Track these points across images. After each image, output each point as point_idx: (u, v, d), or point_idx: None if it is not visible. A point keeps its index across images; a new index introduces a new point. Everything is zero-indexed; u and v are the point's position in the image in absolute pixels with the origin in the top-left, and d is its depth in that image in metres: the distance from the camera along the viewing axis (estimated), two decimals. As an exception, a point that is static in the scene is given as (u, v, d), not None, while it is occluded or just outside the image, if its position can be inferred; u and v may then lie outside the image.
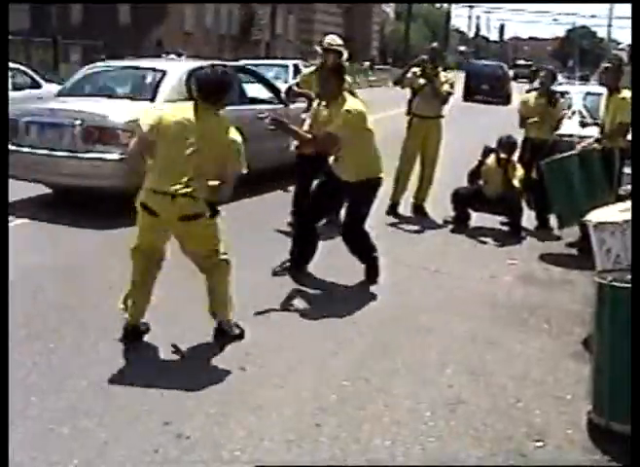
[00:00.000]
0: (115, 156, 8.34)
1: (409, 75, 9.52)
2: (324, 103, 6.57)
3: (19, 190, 8.95)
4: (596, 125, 8.62)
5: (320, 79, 6.64)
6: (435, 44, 10.70)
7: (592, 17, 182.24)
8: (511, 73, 44.81)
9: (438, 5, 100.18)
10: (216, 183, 4.99)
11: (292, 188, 8.79)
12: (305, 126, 6.74)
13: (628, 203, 5.28)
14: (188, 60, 12.45)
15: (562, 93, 11.13)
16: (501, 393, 4.79)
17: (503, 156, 8.95)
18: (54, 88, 17.63)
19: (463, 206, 9.12)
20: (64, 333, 5.37)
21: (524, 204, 9.15)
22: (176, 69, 9.80)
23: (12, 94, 15.25)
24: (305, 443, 4.07)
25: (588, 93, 13.01)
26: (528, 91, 12.05)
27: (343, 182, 6.46)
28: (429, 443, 4.14)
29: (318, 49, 8.53)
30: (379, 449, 4.06)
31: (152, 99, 9.00)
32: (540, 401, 4.70)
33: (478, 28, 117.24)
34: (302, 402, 4.53)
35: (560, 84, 15.49)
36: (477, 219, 9.22)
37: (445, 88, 9.37)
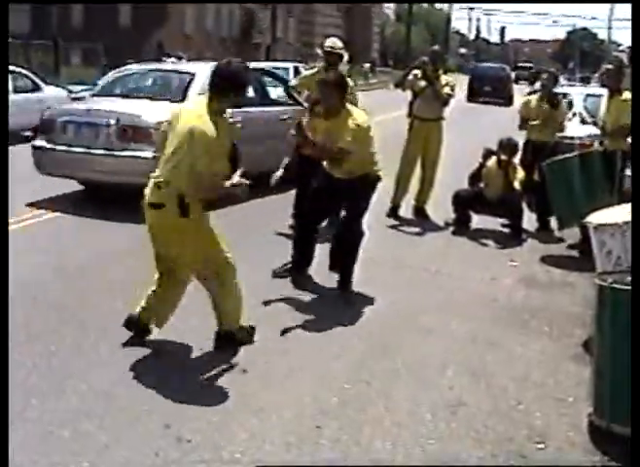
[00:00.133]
0: (148, 153, 8.58)
1: (410, 77, 9.52)
2: (320, 112, 6.51)
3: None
4: (595, 124, 8.62)
5: (321, 93, 6.44)
6: (436, 46, 10.72)
7: (593, 19, 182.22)
8: (512, 75, 45.23)
9: (438, 7, 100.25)
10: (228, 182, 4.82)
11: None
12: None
13: (629, 205, 5.28)
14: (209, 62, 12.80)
15: (564, 95, 11.14)
16: (502, 395, 4.79)
17: (504, 158, 8.95)
18: (55, 91, 17.74)
19: (464, 208, 9.12)
20: (64, 334, 5.38)
21: (525, 206, 9.15)
22: (205, 71, 9.85)
23: (12, 97, 15.33)
24: (306, 445, 4.07)
25: (589, 95, 13.03)
26: (529, 94, 12.06)
27: (342, 180, 6.39)
28: (430, 445, 4.14)
29: (319, 51, 8.56)
30: (380, 452, 4.06)
31: (182, 100, 9.10)
32: (541, 403, 4.70)
33: (478, 30, 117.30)
34: (302, 404, 4.52)
35: (561, 85, 15.50)
36: (477, 221, 9.22)
37: (446, 90, 9.37)
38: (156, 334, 5.26)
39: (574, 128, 10.35)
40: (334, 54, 8.41)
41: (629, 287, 4.13)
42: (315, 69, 8.74)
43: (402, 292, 6.72)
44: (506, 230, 9.11)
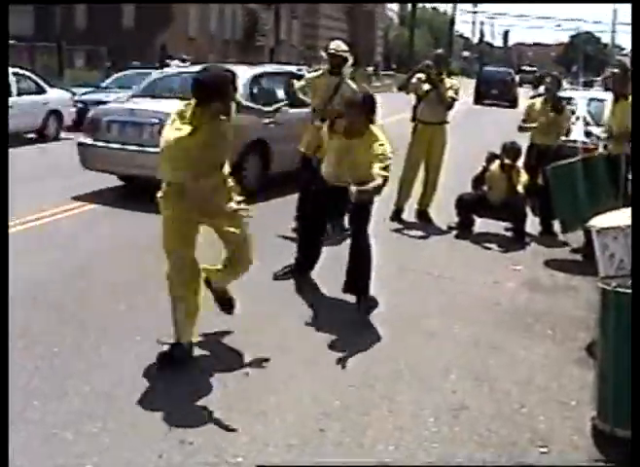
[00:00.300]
0: None
1: (414, 81, 9.51)
2: (339, 129, 6.17)
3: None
4: (598, 126, 8.62)
5: (347, 113, 6.08)
6: (440, 50, 10.70)
7: (596, 23, 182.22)
8: (517, 79, 46.07)
9: (442, 10, 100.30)
10: None
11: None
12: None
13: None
14: (250, 67, 13.21)
15: (568, 100, 11.14)
16: (505, 399, 4.79)
17: (507, 162, 8.95)
18: (59, 93, 17.77)
19: (467, 212, 9.11)
20: (66, 335, 5.38)
21: (528, 210, 9.14)
22: (242, 74, 10.43)
23: (16, 99, 15.36)
24: (309, 448, 4.07)
25: (592, 99, 13.02)
26: (532, 97, 12.06)
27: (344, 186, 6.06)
28: (432, 448, 4.13)
29: (323, 54, 8.57)
30: (383, 455, 4.05)
31: None
32: (544, 407, 4.69)
33: (482, 34, 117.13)
34: (305, 407, 4.52)
35: (565, 89, 15.50)
36: (481, 225, 9.21)
37: (450, 94, 9.36)
38: (155, 334, 5.26)
39: (577, 132, 10.34)
40: (338, 57, 8.44)
41: (633, 291, 4.12)
42: (319, 72, 8.74)
43: (405, 295, 6.71)
44: (509, 233, 9.11)
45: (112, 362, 5.01)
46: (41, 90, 16.81)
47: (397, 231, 9.22)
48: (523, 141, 9.53)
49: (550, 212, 8.72)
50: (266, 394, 4.66)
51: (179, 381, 4.77)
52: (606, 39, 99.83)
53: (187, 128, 4.69)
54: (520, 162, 9.22)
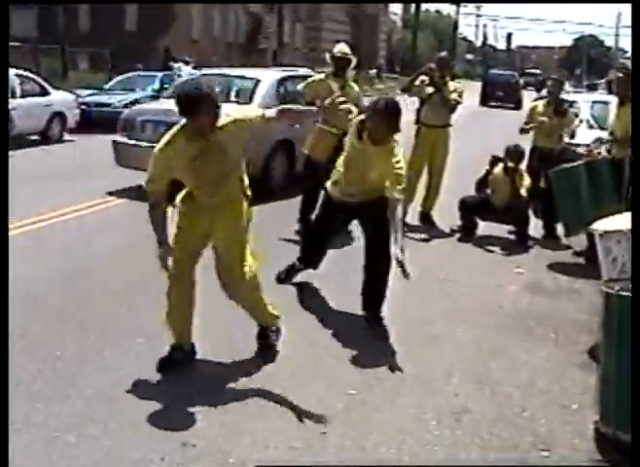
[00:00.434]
0: None
1: (417, 83, 9.51)
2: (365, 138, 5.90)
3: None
4: (602, 129, 8.61)
5: (372, 122, 5.75)
6: (443, 53, 10.70)
7: (600, 26, 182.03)
8: (521, 81, 46.64)
9: (445, 13, 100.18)
10: None
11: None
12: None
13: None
14: (276, 70, 13.49)
15: (571, 103, 11.13)
16: (507, 402, 4.78)
17: (510, 165, 8.95)
18: (63, 95, 17.80)
19: (470, 215, 9.11)
20: (68, 338, 5.39)
21: (532, 213, 9.14)
22: (268, 77, 11.37)
23: (20, 101, 15.37)
24: (311, 450, 4.07)
25: (596, 102, 13.02)
26: (535, 100, 12.05)
27: (359, 203, 5.96)
28: (434, 452, 4.13)
29: (327, 57, 8.57)
30: (385, 458, 4.05)
31: (248, 102, 9.95)
32: (546, 410, 4.69)
33: (485, 37, 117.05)
34: (307, 410, 4.51)
35: (568, 92, 15.50)
36: (484, 228, 9.21)
37: (454, 96, 9.35)
38: (156, 335, 5.26)
39: (581, 135, 10.33)
40: (342, 60, 8.45)
41: (636, 294, 4.12)
42: (323, 75, 8.74)
43: (407, 298, 6.70)
44: (512, 236, 9.10)
45: (113, 363, 5.01)
46: (45, 92, 16.82)
47: (400, 233, 9.19)
48: (526, 144, 9.53)
49: (553, 215, 8.72)
50: (269, 397, 4.65)
51: (180, 383, 4.77)
52: (610, 42, 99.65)
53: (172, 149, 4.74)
54: (523, 165, 9.23)
